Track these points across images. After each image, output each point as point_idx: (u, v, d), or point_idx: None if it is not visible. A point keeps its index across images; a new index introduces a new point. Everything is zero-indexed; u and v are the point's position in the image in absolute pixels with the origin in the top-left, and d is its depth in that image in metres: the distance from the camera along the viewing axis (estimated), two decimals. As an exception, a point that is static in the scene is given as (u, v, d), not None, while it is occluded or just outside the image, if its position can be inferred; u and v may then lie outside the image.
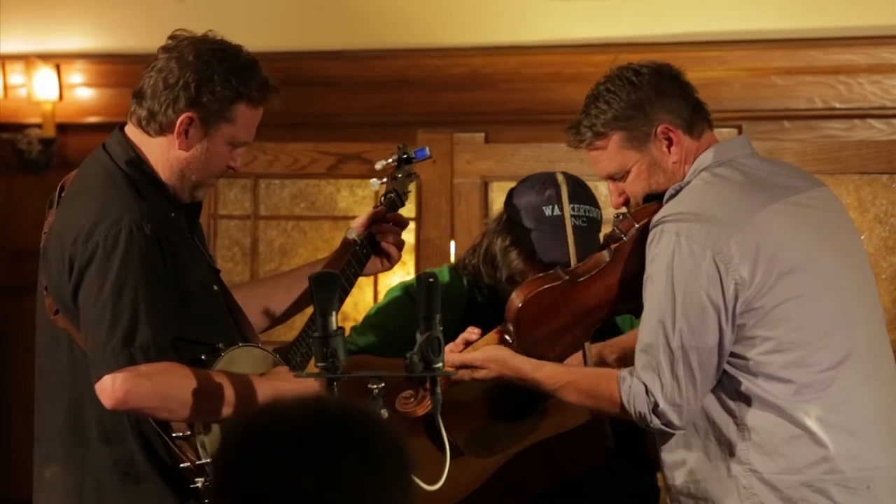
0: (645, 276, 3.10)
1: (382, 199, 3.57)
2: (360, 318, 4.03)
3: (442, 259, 5.16)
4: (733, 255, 3.01)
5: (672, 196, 3.15)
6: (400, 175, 3.57)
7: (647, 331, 3.07)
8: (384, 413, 2.76)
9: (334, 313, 2.84)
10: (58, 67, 6.05)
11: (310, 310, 3.46)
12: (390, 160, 3.55)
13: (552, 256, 3.58)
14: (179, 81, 3.10)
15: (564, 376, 3.18)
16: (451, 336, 2.87)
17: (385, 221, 3.53)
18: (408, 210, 5.35)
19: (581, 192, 3.71)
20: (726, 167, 3.15)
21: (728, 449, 3.09)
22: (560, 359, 3.28)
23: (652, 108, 3.16)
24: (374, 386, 2.88)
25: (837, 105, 5.36)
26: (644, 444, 3.77)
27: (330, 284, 2.87)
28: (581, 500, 3.72)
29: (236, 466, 1.91)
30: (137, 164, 3.14)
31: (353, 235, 3.49)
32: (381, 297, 4.80)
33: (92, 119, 6.03)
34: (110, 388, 2.93)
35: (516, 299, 3.23)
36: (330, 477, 1.86)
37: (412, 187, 3.66)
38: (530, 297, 3.21)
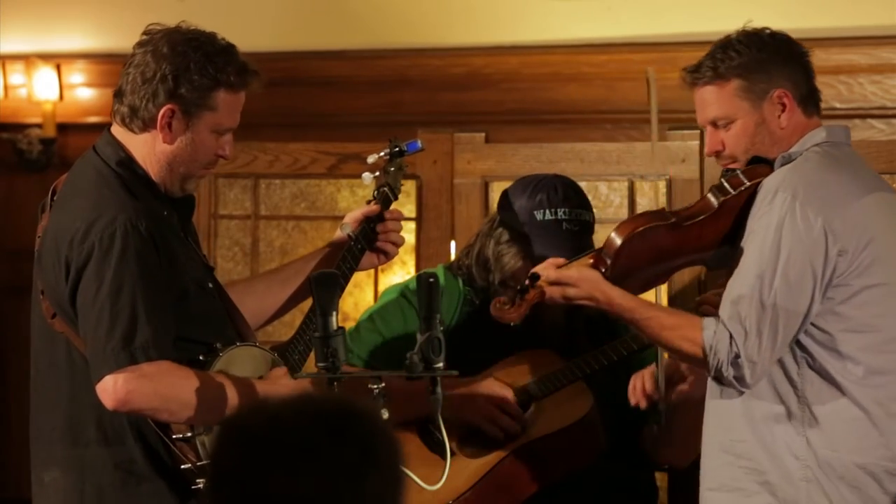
0: (747, 231, 3.16)
1: (375, 193, 3.55)
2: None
3: (442, 259, 5.15)
4: (842, 227, 3.10)
5: (784, 163, 3.21)
6: (392, 169, 3.55)
7: (741, 283, 3.12)
8: (384, 414, 2.76)
9: (335, 313, 2.84)
10: (58, 67, 6.05)
11: (305, 307, 3.46)
12: (382, 153, 3.54)
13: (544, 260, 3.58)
14: (157, 75, 3.09)
15: (651, 309, 3.23)
16: (447, 337, 2.87)
17: (382, 219, 3.50)
18: (408, 210, 5.37)
19: (573, 196, 3.72)
20: (837, 148, 3.24)
21: (787, 419, 3.13)
22: (634, 292, 3.30)
23: (777, 71, 3.26)
24: (375, 386, 2.88)
25: (837, 105, 5.35)
26: (640, 443, 3.78)
27: (330, 284, 2.87)
28: (580, 500, 3.72)
29: (239, 479, 1.89)
30: (128, 164, 3.14)
31: (347, 231, 3.48)
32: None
33: (92, 119, 6.02)
34: (112, 388, 2.93)
35: (621, 233, 3.24)
36: (335, 481, 1.86)
37: (405, 182, 3.65)
38: (636, 233, 3.24)
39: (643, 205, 4.80)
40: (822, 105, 5.46)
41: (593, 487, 3.71)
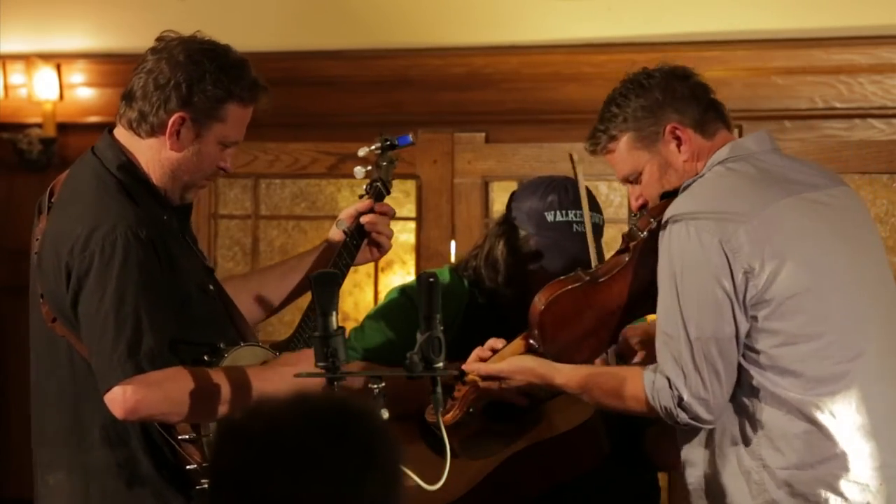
0: (658, 270, 3.11)
1: (368, 187, 3.56)
2: (361, 317, 4.03)
3: (442, 259, 5.16)
4: (742, 244, 3.02)
5: (685, 189, 3.17)
6: (384, 163, 3.56)
7: (665, 324, 3.08)
8: (384, 414, 2.76)
9: (335, 313, 2.84)
10: (58, 67, 6.05)
11: (302, 304, 3.47)
12: (373, 147, 3.54)
13: (554, 262, 3.58)
14: (171, 82, 3.09)
15: (592, 378, 3.19)
16: (452, 337, 2.88)
17: (372, 212, 3.52)
18: (408, 210, 5.37)
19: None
20: (741, 162, 3.18)
21: (742, 444, 3.09)
22: (587, 362, 3.28)
23: (661, 109, 3.21)
24: (375, 386, 2.88)
25: (838, 105, 5.35)
26: (642, 444, 3.77)
27: (330, 283, 2.87)
28: (582, 501, 3.72)
29: (238, 481, 1.89)
30: (129, 168, 3.13)
31: (342, 227, 3.49)
32: (381, 296, 4.79)
33: (92, 119, 6.03)
34: (121, 398, 2.92)
35: (538, 303, 3.24)
36: (335, 483, 1.86)
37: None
38: (552, 300, 3.22)
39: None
40: (823, 105, 5.48)
41: (595, 488, 3.71)
